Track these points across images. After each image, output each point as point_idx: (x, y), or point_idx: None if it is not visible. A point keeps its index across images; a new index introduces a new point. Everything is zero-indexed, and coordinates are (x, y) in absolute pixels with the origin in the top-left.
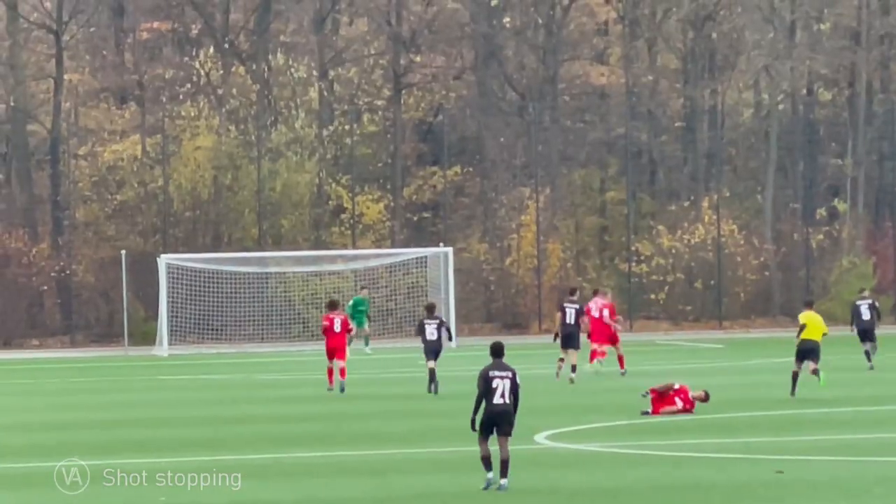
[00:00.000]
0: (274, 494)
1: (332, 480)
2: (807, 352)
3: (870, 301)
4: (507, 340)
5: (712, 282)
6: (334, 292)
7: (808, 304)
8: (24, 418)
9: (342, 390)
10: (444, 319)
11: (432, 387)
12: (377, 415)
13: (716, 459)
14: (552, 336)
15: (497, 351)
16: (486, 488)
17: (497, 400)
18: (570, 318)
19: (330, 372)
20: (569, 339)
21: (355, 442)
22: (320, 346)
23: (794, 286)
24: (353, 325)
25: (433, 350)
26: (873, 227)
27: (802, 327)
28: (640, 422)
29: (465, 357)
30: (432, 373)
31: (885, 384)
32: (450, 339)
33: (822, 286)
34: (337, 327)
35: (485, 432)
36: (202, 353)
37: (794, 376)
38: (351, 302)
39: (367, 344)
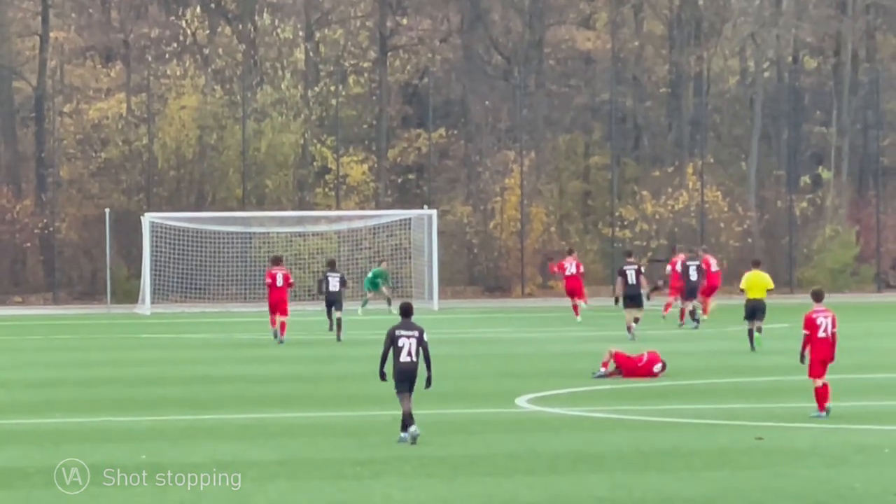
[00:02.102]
0: (255, 454)
1: (313, 441)
2: (753, 311)
3: (696, 264)
4: (490, 303)
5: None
6: (317, 252)
7: (755, 264)
8: (5, 375)
9: (280, 342)
10: (343, 275)
11: (339, 335)
12: (358, 376)
13: (696, 425)
14: (613, 300)
15: (405, 311)
16: (400, 441)
17: (404, 358)
18: (632, 279)
19: (273, 321)
20: (636, 299)
21: (337, 403)
22: (302, 307)
23: (778, 253)
24: (292, 280)
25: (336, 301)
26: (857, 196)
27: (742, 291)
28: (621, 387)
29: (448, 320)
30: (339, 322)
31: (866, 353)
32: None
33: (805, 254)
34: (279, 282)
35: (399, 389)
36: (185, 312)
37: (750, 333)
38: (370, 274)
39: (363, 305)
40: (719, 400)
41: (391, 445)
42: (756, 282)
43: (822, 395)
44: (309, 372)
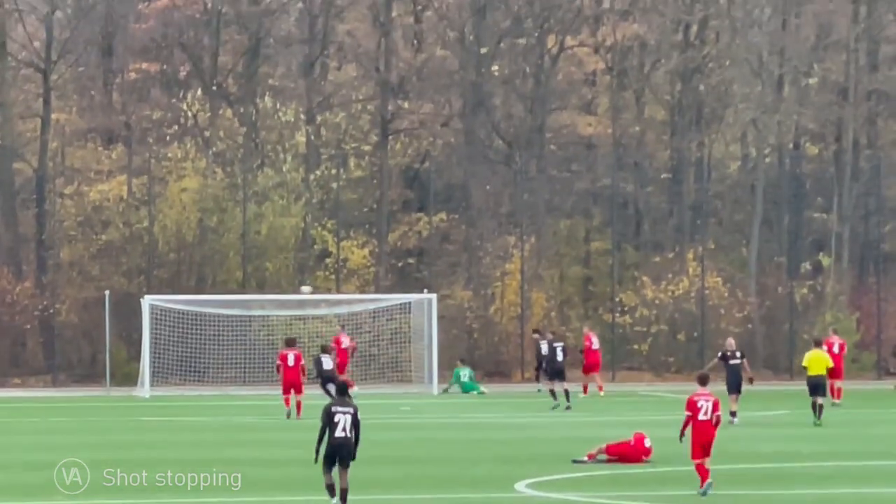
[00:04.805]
0: None
1: None
2: (815, 387)
3: (561, 345)
4: (489, 388)
5: (695, 334)
6: (317, 336)
7: (817, 344)
8: (4, 457)
9: (297, 418)
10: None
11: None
12: (360, 461)
13: None
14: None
15: (341, 390)
16: None
17: (339, 433)
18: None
19: (287, 400)
20: (734, 386)
21: None
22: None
23: (778, 340)
24: (304, 361)
25: (329, 377)
26: (857, 283)
27: (805, 368)
28: (620, 472)
29: (447, 404)
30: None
31: (865, 440)
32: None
33: (806, 340)
34: (290, 362)
35: (327, 463)
36: (184, 395)
37: (813, 406)
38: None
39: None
40: (720, 486)
41: None
42: (818, 359)
43: (703, 472)
44: (309, 455)
